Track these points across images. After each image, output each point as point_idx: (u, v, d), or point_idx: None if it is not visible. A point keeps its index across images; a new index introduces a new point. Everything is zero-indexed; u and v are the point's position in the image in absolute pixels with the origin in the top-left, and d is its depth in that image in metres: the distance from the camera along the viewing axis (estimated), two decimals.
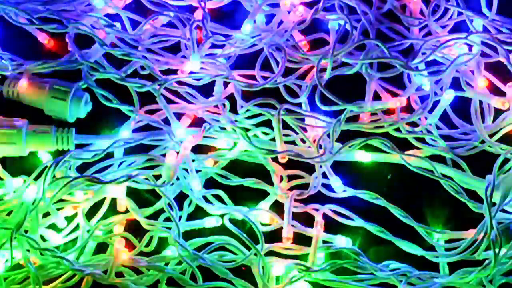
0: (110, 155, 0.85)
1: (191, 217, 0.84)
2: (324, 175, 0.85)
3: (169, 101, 0.88)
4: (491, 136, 0.88)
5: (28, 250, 0.78)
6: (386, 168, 0.88)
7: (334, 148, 0.84)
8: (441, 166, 0.85)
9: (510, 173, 0.81)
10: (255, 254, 0.79)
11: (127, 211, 0.83)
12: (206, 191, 0.85)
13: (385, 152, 0.86)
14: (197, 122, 0.88)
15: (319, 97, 0.89)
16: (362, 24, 0.93)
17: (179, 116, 0.88)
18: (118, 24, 0.91)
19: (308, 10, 0.93)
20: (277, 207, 0.85)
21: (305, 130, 0.88)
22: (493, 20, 0.93)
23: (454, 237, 0.83)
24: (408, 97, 0.90)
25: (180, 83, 0.88)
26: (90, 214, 0.83)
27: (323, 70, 0.89)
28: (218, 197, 0.85)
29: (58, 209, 0.82)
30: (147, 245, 0.82)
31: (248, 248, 0.80)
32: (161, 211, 0.83)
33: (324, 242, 0.83)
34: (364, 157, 0.87)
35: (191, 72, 0.88)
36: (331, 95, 0.86)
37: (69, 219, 0.83)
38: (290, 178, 0.86)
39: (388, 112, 0.89)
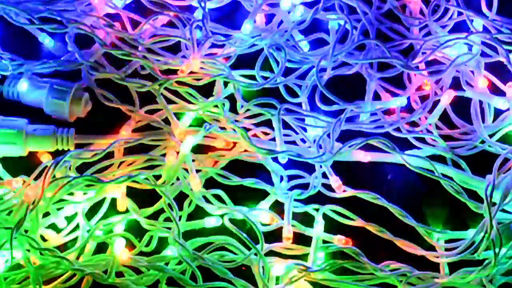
0: (110, 155, 0.85)
1: (191, 217, 0.84)
2: (324, 175, 0.85)
3: (169, 101, 0.88)
4: (491, 136, 0.88)
5: (28, 250, 0.78)
6: (386, 168, 0.88)
7: (334, 148, 0.84)
8: (441, 166, 0.85)
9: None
10: (255, 254, 0.79)
11: (127, 211, 0.84)
12: (206, 191, 0.85)
13: (385, 152, 0.86)
14: (197, 122, 0.88)
15: (319, 97, 0.89)
16: (362, 24, 0.93)
17: (179, 116, 0.88)
18: (118, 24, 0.91)
19: (308, 10, 0.93)
20: (277, 207, 0.85)
21: (305, 130, 0.88)
22: (493, 20, 0.93)
23: (454, 237, 0.83)
24: (408, 97, 0.90)
25: (180, 83, 0.88)
26: (90, 214, 0.83)
27: (323, 70, 0.89)
28: (218, 197, 0.85)
29: (58, 209, 0.82)
30: (147, 245, 0.82)
31: (248, 248, 0.80)
32: (161, 211, 0.83)
33: (324, 242, 0.83)
34: (364, 157, 0.87)
35: (191, 72, 0.88)
36: (331, 95, 0.86)
37: (69, 219, 0.83)
38: (290, 178, 0.86)
39: (388, 112, 0.90)
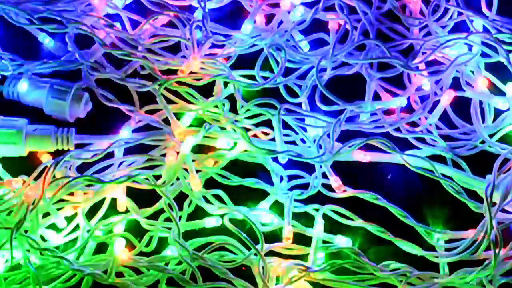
0: (110, 155, 0.85)
1: (191, 217, 0.84)
2: (324, 175, 0.85)
3: (169, 101, 0.88)
4: (491, 136, 0.88)
5: (28, 250, 0.78)
6: (386, 168, 0.88)
7: (334, 148, 0.84)
8: (441, 166, 0.85)
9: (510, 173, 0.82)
10: (255, 254, 0.79)
11: (127, 211, 0.84)
12: (206, 191, 0.85)
13: (385, 152, 0.86)
14: (197, 122, 0.88)
15: (319, 97, 0.89)
16: (362, 24, 0.93)
17: (179, 116, 0.88)
18: (118, 24, 0.91)
19: (308, 10, 0.93)
20: (277, 207, 0.85)
21: (305, 130, 0.88)
22: (493, 20, 0.93)
23: (454, 237, 0.83)
24: (408, 97, 0.90)
25: (180, 83, 0.88)
26: (90, 214, 0.83)
27: (323, 70, 0.89)
28: (218, 197, 0.85)
29: (58, 209, 0.82)
30: (147, 245, 0.82)
31: (248, 248, 0.80)
32: (161, 211, 0.83)
33: (324, 242, 0.83)
34: (364, 157, 0.87)
35: (191, 72, 0.88)
36: (331, 95, 0.86)
37: (69, 219, 0.83)
38: (290, 178, 0.86)
39: (388, 112, 0.90)
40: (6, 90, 0.87)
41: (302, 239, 0.83)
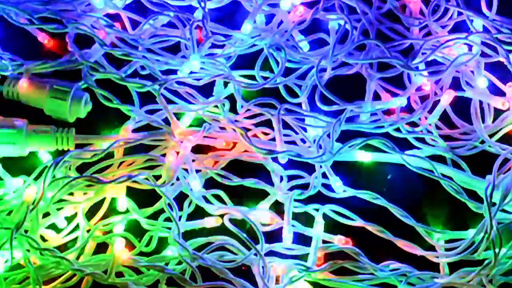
0: (110, 155, 0.84)
1: (191, 217, 0.84)
2: (324, 175, 0.85)
3: (169, 101, 0.88)
4: (491, 136, 0.88)
5: (28, 250, 0.78)
6: (386, 168, 0.88)
7: (334, 148, 0.84)
8: (441, 166, 0.85)
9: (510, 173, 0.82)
10: (255, 254, 0.79)
11: (127, 211, 0.84)
12: (206, 191, 0.85)
13: (385, 152, 0.86)
14: (197, 122, 0.88)
15: (319, 97, 0.89)
16: (362, 24, 0.93)
17: (179, 116, 0.88)
18: (118, 24, 0.92)
19: (308, 10, 0.93)
20: (277, 207, 0.85)
21: (305, 130, 0.88)
22: (493, 20, 0.93)
23: (454, 237, 0.83)
24: (408, 97, 0.90)
25: (180, 83, 0.88)
26: (90, 214, 0.83)
27: (323, 70, 0.89)
28: (218, 197, 0.85)
29: (58, 209, 0.82)
30: (147, 245, 0.82)
31: (248, 248, 0.80)
32: (161, 211, 0.83)
33: (324, 242, 0.83)
34: (364, 157, 0.87)
35: (191, 72, 0.88)
36: (331, 95, 0.86)
37: (69, 219, 0.83)
38: (290, 178, 0.86)
39: (388, 112, 0.90)
40: (6, 90, 0.87)
41: (302, 239, 0.83)
